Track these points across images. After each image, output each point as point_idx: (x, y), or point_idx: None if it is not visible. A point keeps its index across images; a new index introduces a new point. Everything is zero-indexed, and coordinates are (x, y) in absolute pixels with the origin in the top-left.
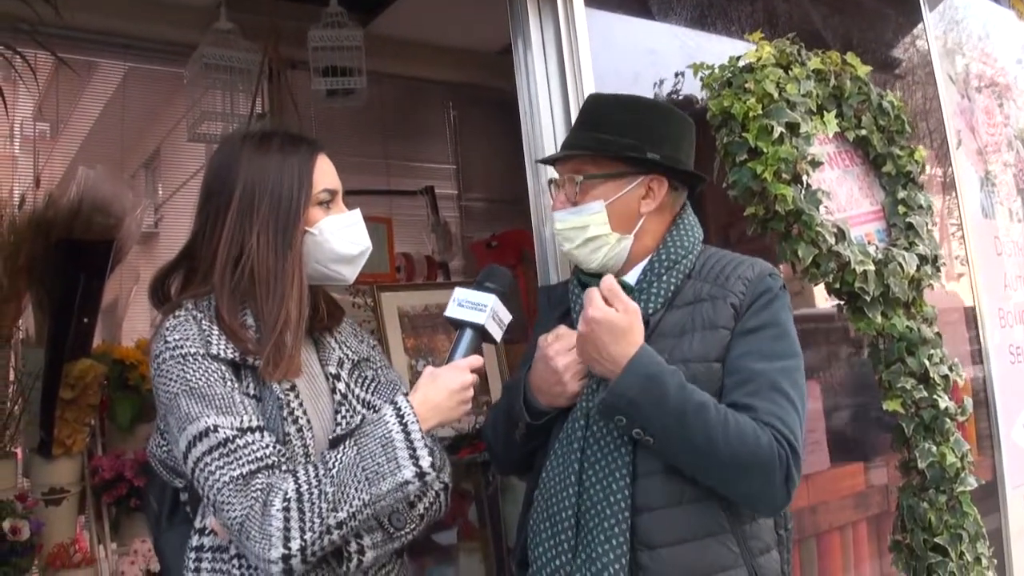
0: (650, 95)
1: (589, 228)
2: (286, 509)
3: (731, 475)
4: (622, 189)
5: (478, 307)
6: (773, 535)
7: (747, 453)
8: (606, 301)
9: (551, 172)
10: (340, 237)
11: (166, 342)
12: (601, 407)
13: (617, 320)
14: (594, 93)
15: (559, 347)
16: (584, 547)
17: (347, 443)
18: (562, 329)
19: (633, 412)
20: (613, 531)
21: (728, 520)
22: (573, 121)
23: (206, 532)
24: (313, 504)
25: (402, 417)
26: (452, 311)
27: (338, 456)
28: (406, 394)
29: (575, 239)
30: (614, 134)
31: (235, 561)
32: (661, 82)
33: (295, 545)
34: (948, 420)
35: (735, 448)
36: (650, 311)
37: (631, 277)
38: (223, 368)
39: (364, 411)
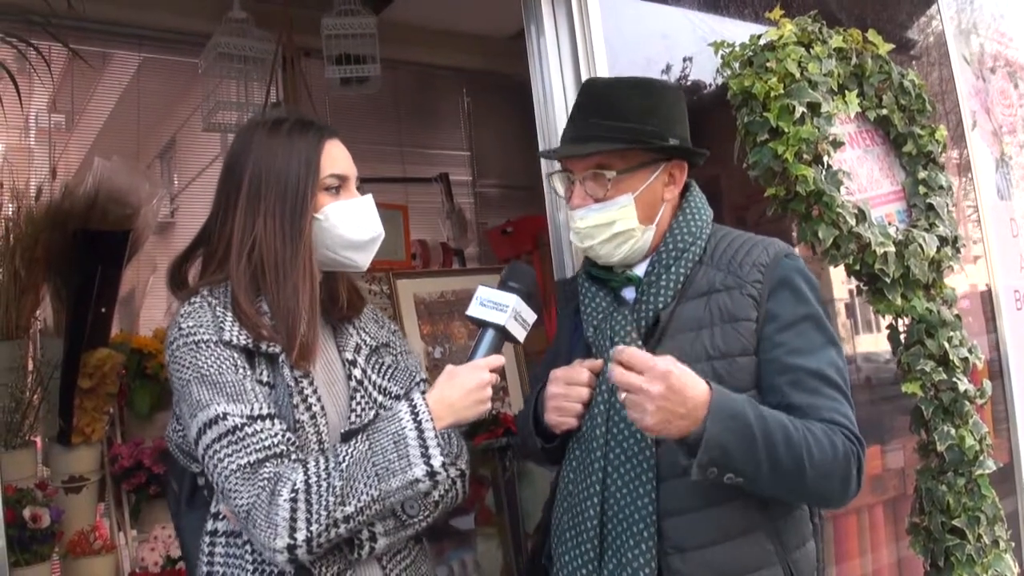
0: (662, 79)
1: (616, 223)
2: (293, 500)
3: (815, 488)
4: (647, 179)
5: (499, 307)
6: (809, 526)
7: (829, 463)
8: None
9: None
10: (348, 223)
11: (180, 329)
12: (696, 468)
13: (680, 372)
14: (592, 78)
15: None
16: (613, 553)
17: (359, 437)
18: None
19: (727, 460)
20: (642, 535)
21: (761, 517)
22: None
23: (220, 517)
24: (321, 496)
25: (417, 415)
26: (474, 310)
27: (349, 450)
28: (424, 388)
29: (598, 236)
30: (633, 121)
31: (248, 546)
32: (673, 67)
33: (301, 536)
34: (967, 402)
35: (818, 463)
36: (660, 305)
37: (640, 267)
38: (235, 355)
39: (380, 397)
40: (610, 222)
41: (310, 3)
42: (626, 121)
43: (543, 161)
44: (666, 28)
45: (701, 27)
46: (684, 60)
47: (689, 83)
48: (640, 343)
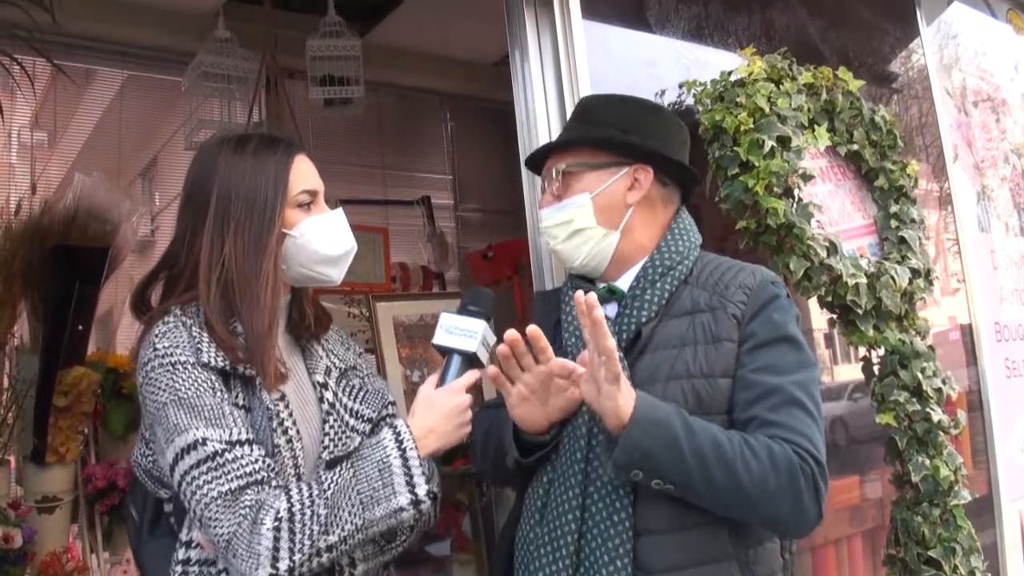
0: (654, 102)
1: (574, 221)
2: (277, 528)
3: (762, 507)
4: (606, 180)
5: (468, 334)
6: (779, 560)
7: (771, 482)
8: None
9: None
10: (322, 238)
11: (155, 349)
12: (612, 465)
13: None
14: (585, 96)
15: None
16: (586, 570)
17: (344, 465)
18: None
19: (652, 466)
20: (617, 551)
21: (732, 545)
22: None
23: (192, 545)
24: (305, 525)
25: (401, 442)
26: (440, 339)
27: (335, 477)
28: (392, 411)
29: (560, 235)
30: (594, 125)
31: (224, 575)
32: (658, 94)
33: (283, 566)
34: (941, 433)
35: (757, 480)
36: (643, 320)
37: (623, 282)
38: (213, 377)
39: (352, 420)
40: (567, 220)
41: (295, 24)
42: (591, 125)
43: (533, 182)
44: (651, 55)
45: (686, 56)
46: (677, 88)
47: (674, 111)
48: (621, 356)
